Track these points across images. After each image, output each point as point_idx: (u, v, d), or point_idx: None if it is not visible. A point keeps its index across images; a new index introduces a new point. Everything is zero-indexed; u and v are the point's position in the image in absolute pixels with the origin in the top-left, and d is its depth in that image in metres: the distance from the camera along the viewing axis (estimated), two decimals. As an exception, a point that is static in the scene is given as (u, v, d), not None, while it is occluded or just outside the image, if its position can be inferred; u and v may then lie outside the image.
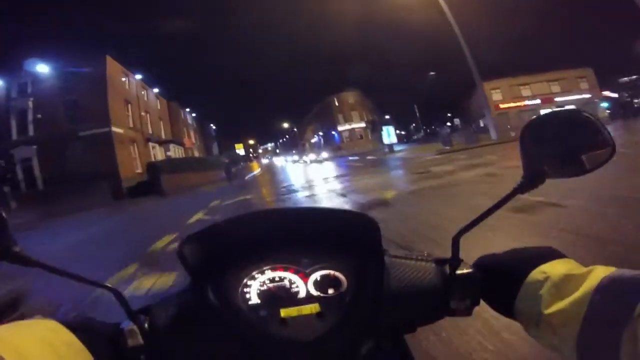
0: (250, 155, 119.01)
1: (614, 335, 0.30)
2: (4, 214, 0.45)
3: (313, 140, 75.73)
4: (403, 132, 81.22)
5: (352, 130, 58.88)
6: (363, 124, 59.56)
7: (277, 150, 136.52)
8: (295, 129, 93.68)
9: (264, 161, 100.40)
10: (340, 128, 59.14)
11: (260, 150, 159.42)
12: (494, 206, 0.47)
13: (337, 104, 59.89)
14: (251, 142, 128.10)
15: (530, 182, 0.44)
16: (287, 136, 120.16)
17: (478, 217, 0.48)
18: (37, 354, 0.36)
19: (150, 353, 0.46)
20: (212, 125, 69.04)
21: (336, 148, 46.93)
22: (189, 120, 48.53)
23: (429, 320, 0.52)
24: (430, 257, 0.53)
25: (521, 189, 0.45)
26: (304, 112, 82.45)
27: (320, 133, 68.87)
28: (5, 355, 0.33)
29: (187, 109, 47.70)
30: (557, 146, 0.43)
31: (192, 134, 48.00)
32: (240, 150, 50.20)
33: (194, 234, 0.49)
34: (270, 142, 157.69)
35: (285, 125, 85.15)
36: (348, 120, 58.97)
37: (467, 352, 1.67)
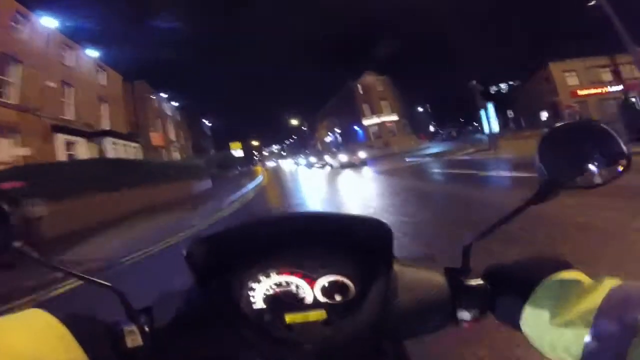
0: (255, 157, 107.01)
1: (621, 347, 0.30)
2: (6, 208, 0.44)
3: (327, 139, 62.81)
4: (434, 126, 68.06)
5: (381, 125, 45.58)
6: (395, 117, 46.33)
7: (284, 153, 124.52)
8: (304, 128, 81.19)
9: (270, 164, 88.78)
10: (366, 122, 45.85)
11: (265, 153, 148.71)
12: (507, 216, 0.47)
13: (361, 91, 46.82)
14: (255, 143, 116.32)
15: (545, 192, 0.43)
16: (294, 137, 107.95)
17: (490, 227, 0.48)
18: (26, 348, 0.36)
19: (149, 354, 0.46)
20: (205, 121, 56.56)
21: (367, 146, 33.68)
22: (167, 111, 35.89)
23: (435, 328, 0.51)
24: (440, 266, 0.53)
25: (536, 199, 0.44)
26: (315, 107, 69.93)
27: (337, 130, 55.93)
28: None
29: (163, 94, 34.98)
30: (574, 158, 0.43)
31: (170, 128, 35.38)
32: (236, 150, 37.13)
33: (202, 236, 0.49)
34: (276, 144, 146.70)
35: (294, 122, 72.08)
36: (377, 111, 45.69)
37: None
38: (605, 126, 0.42)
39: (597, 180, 0.42)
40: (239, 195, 15.11)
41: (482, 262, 0.52)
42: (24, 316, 0.40)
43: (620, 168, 0.41)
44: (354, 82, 47.07)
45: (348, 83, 47.89)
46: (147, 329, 0.46)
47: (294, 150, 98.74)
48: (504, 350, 1.63)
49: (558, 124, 0.45)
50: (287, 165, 56.32)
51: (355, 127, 47.33)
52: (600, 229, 3.54)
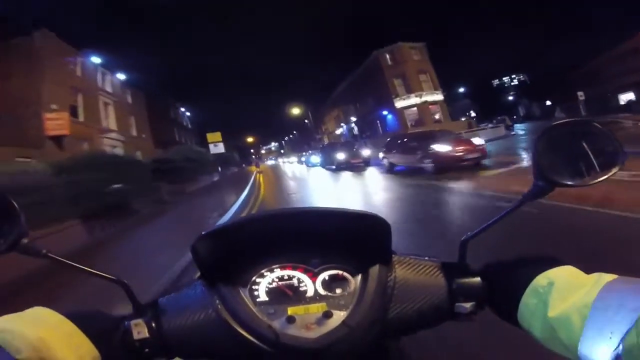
0: (253, 156, 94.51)
1: (616, 341, 0.31)
2: (16, 205, 0.45)
3: (338, 132, 50.19)
4: (473, 114, 55.36)
5: (423, 107, 32.45)
6: (440, 96, 33.38)
7: (282, 151, 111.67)
8: (307, 121, 68.46)
9: (269, 163, 77.26)
10: (400, 103, 32.82)
11: (263, 151, 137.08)
12: (503, 213, 0.49)
13: (390, 62, 34.04)
14: (250, 139, 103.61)
15: (540, 189, 0.45)
16: (294, 132, 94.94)
17: (487, 224, 0.50)
18: (37, 345, 0.36)
19: (156, 347, 0.47)
20: (183, 110, 43.71)
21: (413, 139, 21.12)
22: (104, 85, 23.10)
23: (433, 323, 0.52)
24: (437, 260, 0.55)
25: (531, 196, 0.46)
26: (321, 95, 57.23)
27: (353, 118, 43.20)
28: (5, 346, 0.34)
29: (95, 59, 22.09)
30: (569, 156, 0.44)
31: (108, 111, 22.66)
32: (216, 145, 24.96)
33: (207, 232, 0.50)
34: (275, 142, 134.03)
35: (296, 111, 58.67)
36: (415, 89, 32.56)
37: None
38: (600, 126, 0.44)
39: (591, 178, 0.43)
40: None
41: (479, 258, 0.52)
42: (31, 314, 0.40)
43: (614, 167, 0.43)
44: (379, 52, 34.27)
45: (372, 54, 35.05)
46: (153, 322, 0.48)
47: (295, 147, 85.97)
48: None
49: (555, 123, 0.46)
50: (289, 165, 42.72)
51: (384, 113, 34.56)
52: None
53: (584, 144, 0.44)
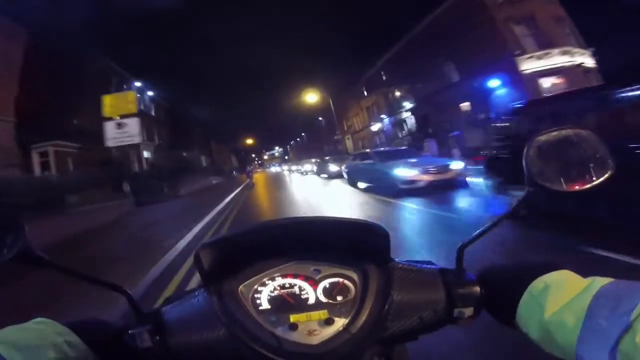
0: (255, 161, 79.86)
1: (611, 342, 0.31)
2: (19, 216, 0.46)
3: (375, 127, 34.66)
4: None
5: (575, 73, 16.91)
6: (589, 59, 17.62)
7: (287, 157, 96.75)
8: (320, 118, 53.46)
9: (272, 169, 62.77)
10: (528, 65, 17.31)
11: (265, 157, 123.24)
12: (497, 220, 0.50)
13: (499, -2, 18.87)
14: (249, 141, 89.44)
15: (533, 196, 0.46)
16: (302, 134, 79.72)
17: (482, 230, 0.52)
18: (40, 356, 0.36)
19: (160, 356, 0.48)
20: (140, 84, 28.66)
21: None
22: None
23: (432, 328, 0.53)
24: (435, 267, 0.57)
25: (524, 202, 0.47)
26: (339, 83, 42.07)
27: (407, 104, 27.75)
28: (7, 357, 0.34)
29: None
30: (560, 162, 0.45)
31: None
32: (119, 124, 8.85)
33: (209, 241, 0.51)
34: (278, 147, 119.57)
35: (309, 101, 42.95)
36: (556, 42, 17.43)
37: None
38: (590, 133, 0.46)
39: (582, 184, 0.44)
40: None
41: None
42: (33, 325, 0.41)
43: (605, 173, 0.44)
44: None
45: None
46: (156, 331, 0.48)
47: (302, 152, 70.85)
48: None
49: (545, 131, 0.47)
50: (302, 177, 25.66)
51: (490, 84, 19.01)
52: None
53: (575, 150, 0.45)
